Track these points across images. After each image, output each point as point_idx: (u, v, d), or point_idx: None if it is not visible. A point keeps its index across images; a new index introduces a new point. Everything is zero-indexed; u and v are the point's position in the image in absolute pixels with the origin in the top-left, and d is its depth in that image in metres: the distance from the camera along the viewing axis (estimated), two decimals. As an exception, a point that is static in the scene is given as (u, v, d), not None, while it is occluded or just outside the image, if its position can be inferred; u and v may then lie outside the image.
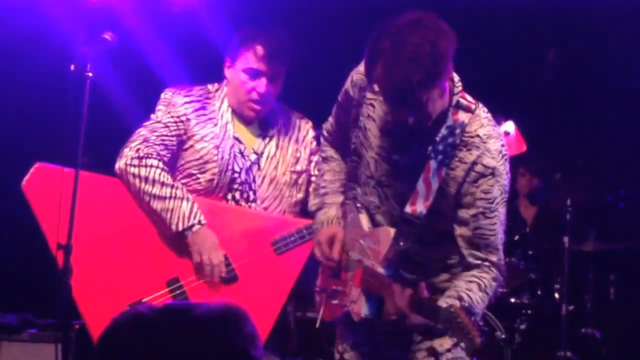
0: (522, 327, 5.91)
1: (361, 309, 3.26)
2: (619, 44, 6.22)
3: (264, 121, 4.10)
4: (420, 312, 3.07)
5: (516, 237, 6.00)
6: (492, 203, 3.15)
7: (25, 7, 5.72)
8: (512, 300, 5.95)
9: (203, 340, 1.73)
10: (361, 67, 3.24)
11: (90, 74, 3.68)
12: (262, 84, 3.96)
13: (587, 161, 6.17)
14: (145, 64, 5.35)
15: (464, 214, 3.18)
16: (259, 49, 3.95)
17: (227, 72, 4.06)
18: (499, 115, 3.53)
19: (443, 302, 2.99)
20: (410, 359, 3.33)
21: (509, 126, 3.73)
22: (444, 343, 3.28)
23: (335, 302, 3.39)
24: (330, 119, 3.52)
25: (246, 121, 4.08)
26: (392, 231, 3.21)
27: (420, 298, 3.04)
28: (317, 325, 3.60)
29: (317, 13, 5.70)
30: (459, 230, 3.20)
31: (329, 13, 5.77)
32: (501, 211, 3.18)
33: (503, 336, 5.71)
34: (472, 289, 3.10)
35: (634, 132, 6.26)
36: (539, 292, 6.03)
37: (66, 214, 3.57)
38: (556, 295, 6.03)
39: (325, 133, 3.58)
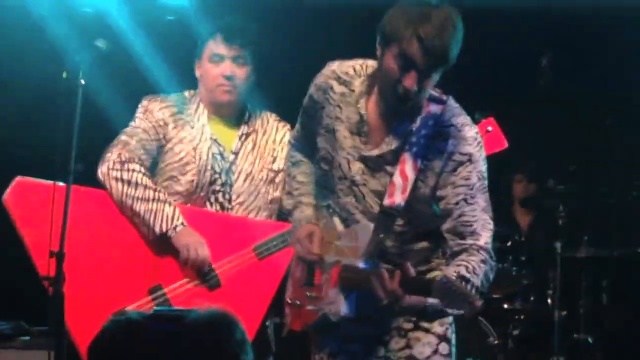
0: (515, 332, 5.93)
1: (340, 307, 3.24)
2: (613, 51, 6.25)
3: (241, 121, 4.19)
4: (413, 291, 3.06)
5: (509, 243, 6.01)
6: (472, 189, 3.16)
7: (18, 16, 5.73)
8: (505, 305, 5.97)
9: (195, 347, 1.74)
10: (325, 71, 3.34)
11: (83, 81, 3.68)
12: (226, 67, 4.08)
13: (580, 167, 6.19)
14: (137, 71, 5.36)
15: (446, 205, 3.18)
16: (219, 36, 4.10)
17: (197, 72, 4.18)
18: (478, 112, 3.55)
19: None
20: None
21: (489, 123, 3.74)
22: (424, 351, 3.30)
23: (309, 308, 3.37)
24: (297, 126, 3.55)
25: (223, 112, 4.17)
26: (371, 225, 3.22)
27: (410, 277, 3.02)
28: (284, 334, 3.61)
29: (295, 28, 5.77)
30: (444, 224, 3.20)
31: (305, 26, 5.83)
32: (481, 197, 3.18)
33: (496, 342, 5.72)
34: (459, 271, 3.06)
35: (628, 138, 6.28)
36: (531, 298, 6.06)
37: (49, 226, 3.56)
38: (549, 301, 6.06)
39: (292, 141, 3.62)
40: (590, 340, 6.02)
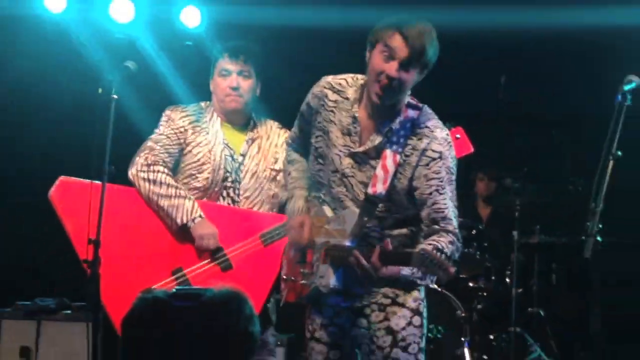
0: (479, 307, 5.91)
1: (329, 281, 3.22)
2: (560, 71, 6.27)
3: (248, 128, 4.17)
4: (391, 263, 3.08)
5: (473, 232, 6.00)
6: (442, 182, 3.16)
7: (61, 41, 5.73)
8: (471, 284, 5.95)
9: (210, 322, 1.75)
10: (321, 82, 3.36)
11: (115, 96, 3.67)
12: (232, 79, 4.07)
13: (532, 168, 6.20)
14: (161, 86, 5.36)
15: (420, 195, 3.18)
16: (226, 55, 4.09)
17: (211, 86, 4.16)
18: (448, 122, 3.53)
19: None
20: (371, 337, 3.31)
21: (458, 131, 3.73)
22: (399, 322, 3.29)
23: (302, 282, 3.36)
24: (294, 129, 3.53)
25: (233, 119, 4.15)
26: (357, 210, 3.21)
27: (388, 251, 3.04)
28: (281, 304, 3.61)
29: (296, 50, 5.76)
30: (422, 212, 3.20)
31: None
32: (449, 188, 3.19)
33: (463, 314, 5.70)
34: (433, 246, 3.06)
35: (571, 144, 6.29)
36: (493, 278, 6.03)
37: (88, 217, 3.54)
38: (507, 280, 6.04)
39: (289, 141, 3.60)
40: (542, 313, 6.02)
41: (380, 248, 3.06)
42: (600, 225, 3.36)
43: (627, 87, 3.42)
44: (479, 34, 5.28)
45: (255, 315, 1.82)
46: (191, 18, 5.72)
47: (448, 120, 3.51)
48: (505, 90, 6.12)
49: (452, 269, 2.93)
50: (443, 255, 2.97)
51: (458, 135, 3.72)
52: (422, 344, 3.32)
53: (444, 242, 3.11)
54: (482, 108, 6.33)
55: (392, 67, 3.09)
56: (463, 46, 5.49)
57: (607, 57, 5.43)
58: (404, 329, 3.28)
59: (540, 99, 6.50)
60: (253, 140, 4.15)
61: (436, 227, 3.17)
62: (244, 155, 4.11)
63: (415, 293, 3.32)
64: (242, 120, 4.17)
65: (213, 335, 1.74)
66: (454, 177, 3.22)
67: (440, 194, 3.16)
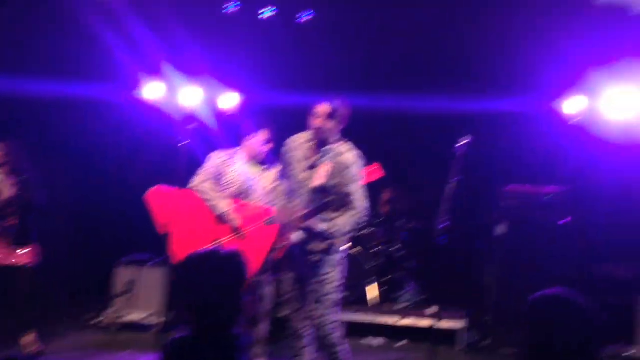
0: (378, 262, 5.74)
1: (297, 237, 3.33)
2: (428, 135, 6.18)
3: (261, 162, 4.08)
4: (312, 216, 3.19)
5: (378, 221, 5.94)
6: (350, 180, 3.24)
7: (153, 113, 5.63)
8: (375, 250, 5.82)
9: (222, 264, 1.83)
10: (291, 138, 3.41)
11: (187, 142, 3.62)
12: (267, 145, 3.99)
13: (410, 187, 6.18)
14: (210, 139, 5.27)
15: (342, 187, 3.25)
16: (264, 130, 3.99)
17: (248, 141, 4.01)
18: (372, 162, 3.55)
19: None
20: (314, 269, 3.30)
21: (376, 165, 3.72)
22: (326, 267, 3.31)
23: (284, 245, 3.44)
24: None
25: (256, 160, 4.04)
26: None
27: (303, 214, 3.21)
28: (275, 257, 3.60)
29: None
30: (343, 197, 3.27)
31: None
32: (356, 185, 3.24)
33: (368, 268, 5.60)
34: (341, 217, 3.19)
35: (435, 174, 6.26)
36: (388, 247, 5.94)
37: (168, 210, 3.56)
38: (398, 244, 5.94)
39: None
40: (414, 263, 5.91)
41: (302, 213, 3.21)
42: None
43: (463, 142, 3.48)
44: (392, 110, 5.31)
45: (246, 263, 1.88)
46: (229, 100, 5.69)
47: (371, 160, 3.54)
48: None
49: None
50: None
51: (376, 167, 3.70)
52: (341, 282, 3.31)
53: (352, 212, 3.22)
54: (388, 152, 6.29)
55: (318, 123, 3.24)
56: (384, 117, 5.48)
57: (455, 126, 5.42)
58: (328, 272, 3.28)
59: (420, 151, 6.42)
60: (263, 170, 4.06)
61: (348, 206, 3.24)
62: (256, 178, 4.01)
63: (337, 255, 3.31)
64: (259, 160, 4.08)
65: (225, 269, 1.80)
66: (359, 178, 3.27)
67: (349, 186, 3.23)
